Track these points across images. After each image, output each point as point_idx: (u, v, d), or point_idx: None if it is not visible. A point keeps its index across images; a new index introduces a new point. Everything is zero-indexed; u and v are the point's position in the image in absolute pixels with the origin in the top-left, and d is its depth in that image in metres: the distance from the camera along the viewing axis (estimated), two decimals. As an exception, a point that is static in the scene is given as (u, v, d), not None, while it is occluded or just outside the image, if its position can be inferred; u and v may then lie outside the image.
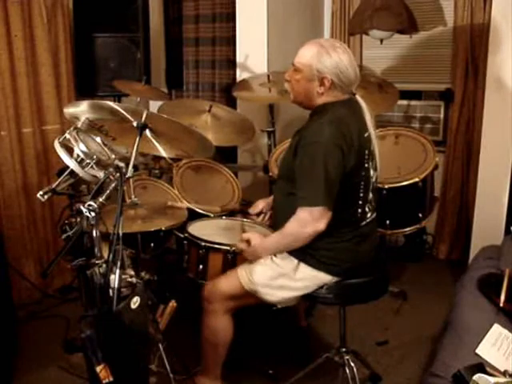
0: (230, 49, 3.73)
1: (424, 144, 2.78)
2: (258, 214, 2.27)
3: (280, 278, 1.95)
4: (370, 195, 1.96)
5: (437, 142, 3.29)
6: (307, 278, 1.93)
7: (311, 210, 1.77)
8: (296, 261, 1.94)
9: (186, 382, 2.19)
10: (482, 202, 3.06)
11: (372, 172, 1.94)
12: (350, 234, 1.92)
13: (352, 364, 2.14)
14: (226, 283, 2.02)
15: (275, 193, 2.12)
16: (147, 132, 1.86)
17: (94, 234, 1.64)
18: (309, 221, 1.78)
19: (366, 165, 1.89)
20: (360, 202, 1.91)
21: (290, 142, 1.99)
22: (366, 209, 1.96)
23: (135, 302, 1.56)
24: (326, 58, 1.80)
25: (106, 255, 1.60)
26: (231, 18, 3.61)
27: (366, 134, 1.89)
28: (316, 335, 2.71)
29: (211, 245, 2.23)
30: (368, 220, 1.98)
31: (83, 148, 1.67)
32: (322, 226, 1.79)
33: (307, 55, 1.84)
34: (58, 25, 3.07)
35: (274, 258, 1.98)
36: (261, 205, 2.28)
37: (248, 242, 1.99)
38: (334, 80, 1.82)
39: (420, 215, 2.69)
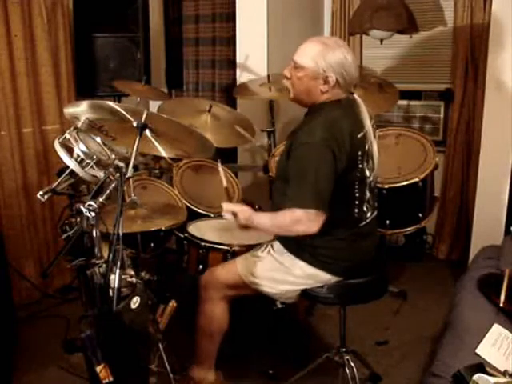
0: (230, 49, 3.73)
1: (424, 144, 2.78)
2: None
3: (278, 272, 1.96)
4: (368, 195, 1.95)
5: (437, 141, 3.28)
6: (305, 275, 1.94)
7: (306, 211, 1.75)
8: (294, 257, 1.94)
9: (182, 377, 2.19)
10: (482, 202, 3.06)
11: (368, 172, 1.92)
12: (348, 232, 1.92)
13: (352, 364, 2.14)
14: (224, 273, 2.04)
15: (273, 193, 2.12)
16: (147, 132, 1.86)
17: (94, 234, 1.64)
18: (303, 221, 1.75)
19: (361, 165, 1.88)
20: (356, 202, 1.91)
21: (285, 143, 1.99)
22: (364, 208, 1.95)
23: (135, 302, 1.56)
24: (331, 56, 1.79)
25: (106, 255, 1.60)
26: (231, 18, 3.60)
27: (359, 135, 1.87)
28: (316, 335, 2.71)
29: (211, 245, 2.24)
30: (368, 220, 1.97)
31: (83, 148, 1.67)
32: (314, 228, 1.76)
33: (311, 53, 1.82)
34: (58, 25, 3.07)
35: (272, 252, 2.00)
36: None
37: (234, 214, 1.94)
38: (338, 78, 1.81)
39: (420, 215, 2.69)
